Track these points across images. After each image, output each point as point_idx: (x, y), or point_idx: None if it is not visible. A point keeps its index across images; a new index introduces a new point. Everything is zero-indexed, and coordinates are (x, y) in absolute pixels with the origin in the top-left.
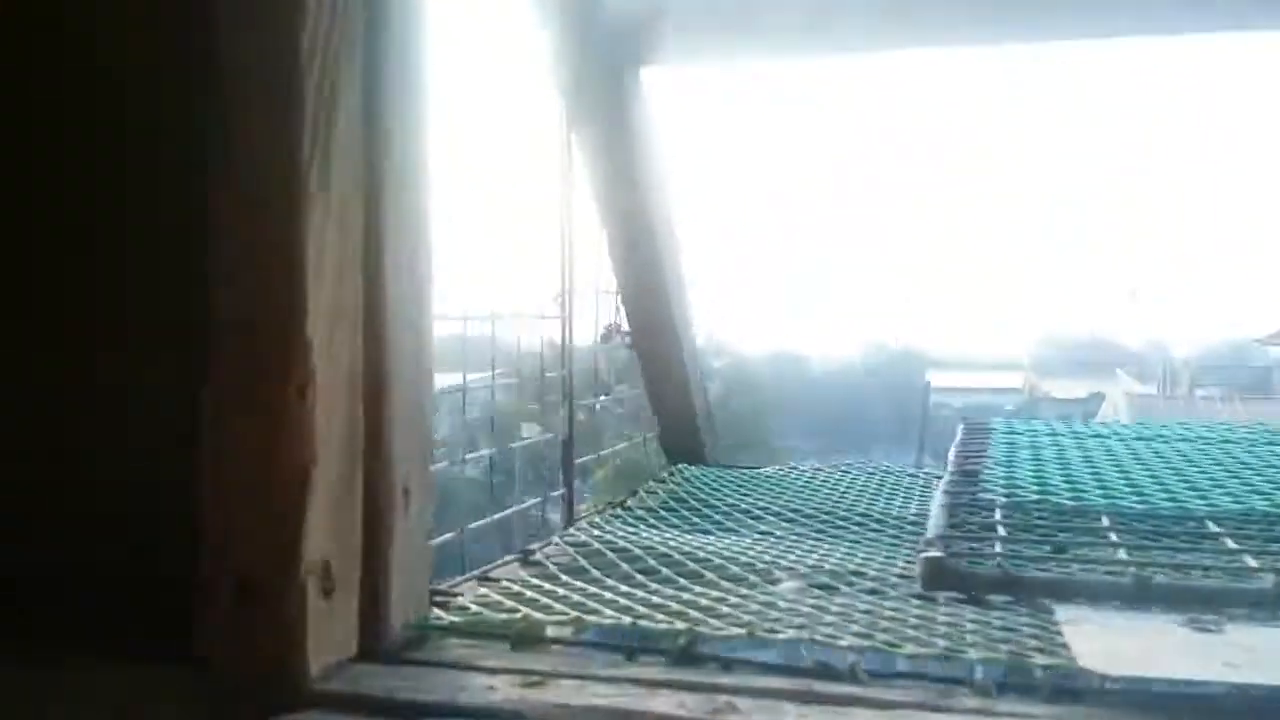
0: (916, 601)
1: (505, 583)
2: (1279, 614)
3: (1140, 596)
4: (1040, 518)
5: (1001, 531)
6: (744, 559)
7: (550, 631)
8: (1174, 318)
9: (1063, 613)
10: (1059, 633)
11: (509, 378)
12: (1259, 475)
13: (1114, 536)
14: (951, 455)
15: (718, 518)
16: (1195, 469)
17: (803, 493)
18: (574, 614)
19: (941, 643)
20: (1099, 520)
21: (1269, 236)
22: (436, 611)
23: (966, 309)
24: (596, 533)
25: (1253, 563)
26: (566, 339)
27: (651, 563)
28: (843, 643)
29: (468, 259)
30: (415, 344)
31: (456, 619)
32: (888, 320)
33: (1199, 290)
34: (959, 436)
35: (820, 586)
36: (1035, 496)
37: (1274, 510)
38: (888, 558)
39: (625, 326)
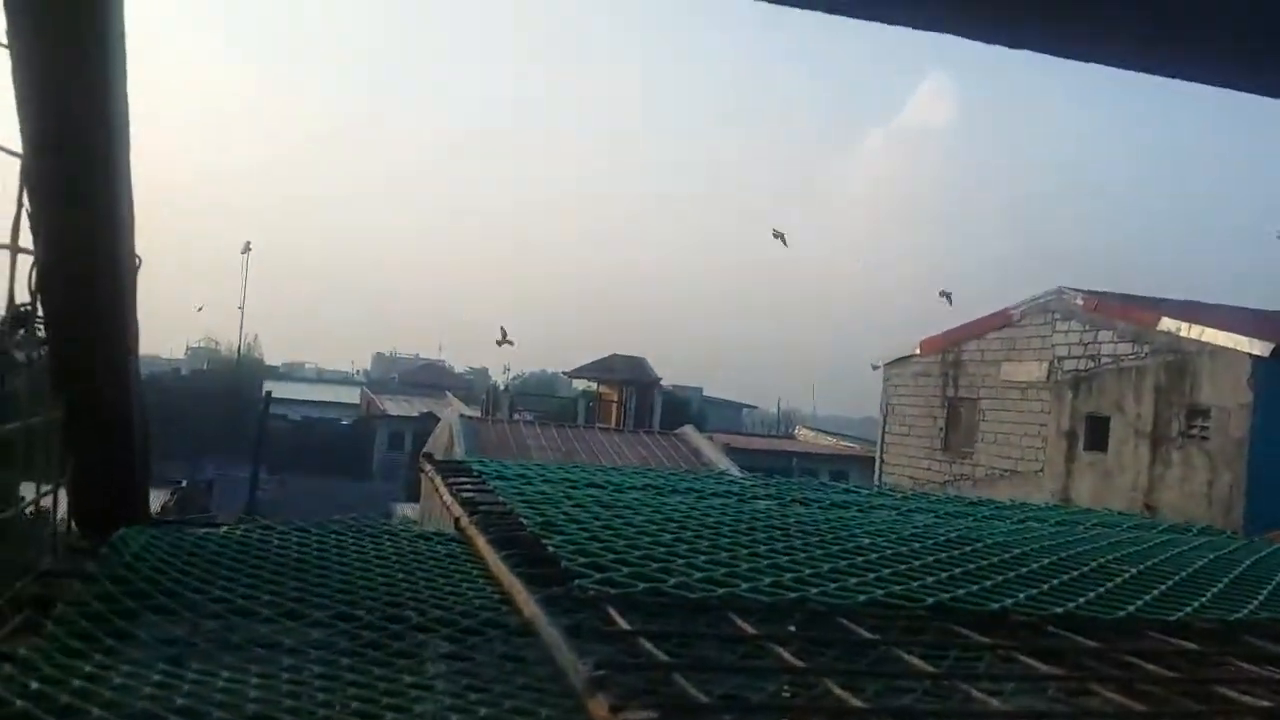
0: None
1: None
2: None
3: None
4: (661, 616)
5: (650, 648)
6: None
7: None
8: (496, 350)
9: None
10: None
11: None
12: (821, 541)
13: (784, 652)
14: (452, 505)
15: (215, 627)
16: (765, 539)
17: (311, 574)
18: None
19: None
20: (730, 618)
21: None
22: None
23: (307, 325)
24: (22, 679)
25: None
26: None
27: None
28: None
29: None
30: None
31: None
32: (220, 325)
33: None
34: (439, 482)
35: None
36: (640, 585)
37: (900, 599)
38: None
39: (40, 312)
